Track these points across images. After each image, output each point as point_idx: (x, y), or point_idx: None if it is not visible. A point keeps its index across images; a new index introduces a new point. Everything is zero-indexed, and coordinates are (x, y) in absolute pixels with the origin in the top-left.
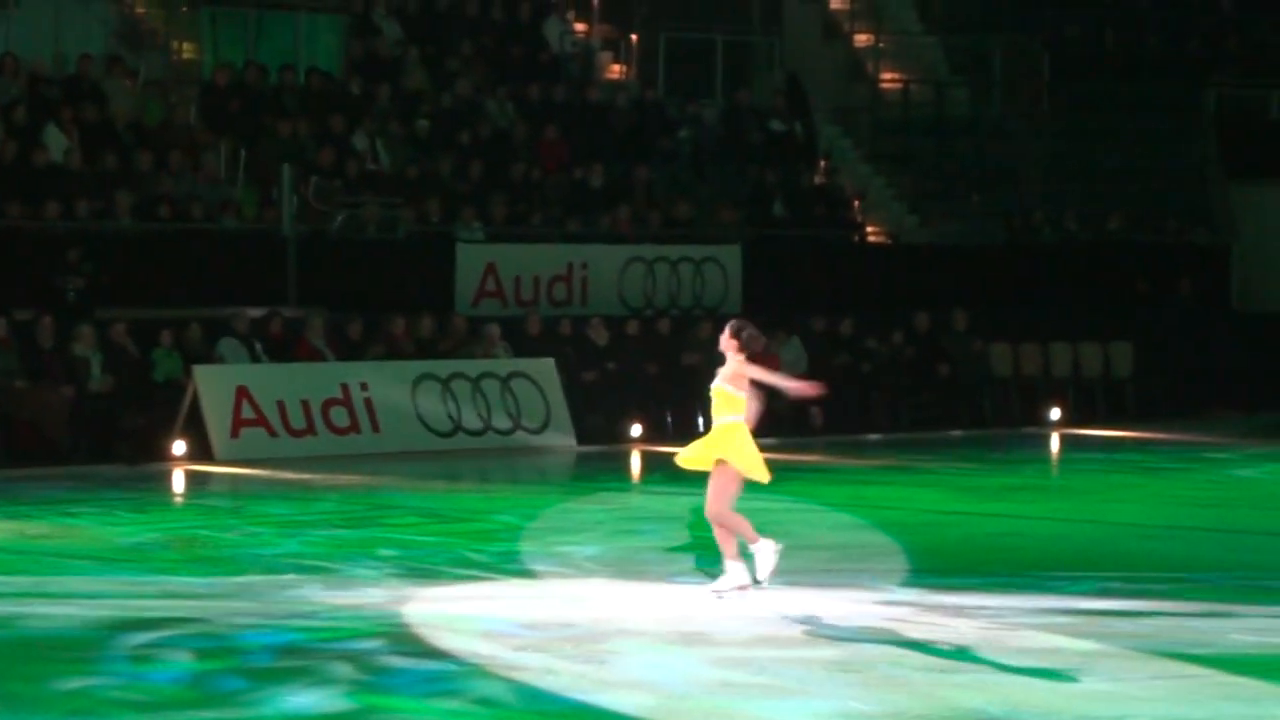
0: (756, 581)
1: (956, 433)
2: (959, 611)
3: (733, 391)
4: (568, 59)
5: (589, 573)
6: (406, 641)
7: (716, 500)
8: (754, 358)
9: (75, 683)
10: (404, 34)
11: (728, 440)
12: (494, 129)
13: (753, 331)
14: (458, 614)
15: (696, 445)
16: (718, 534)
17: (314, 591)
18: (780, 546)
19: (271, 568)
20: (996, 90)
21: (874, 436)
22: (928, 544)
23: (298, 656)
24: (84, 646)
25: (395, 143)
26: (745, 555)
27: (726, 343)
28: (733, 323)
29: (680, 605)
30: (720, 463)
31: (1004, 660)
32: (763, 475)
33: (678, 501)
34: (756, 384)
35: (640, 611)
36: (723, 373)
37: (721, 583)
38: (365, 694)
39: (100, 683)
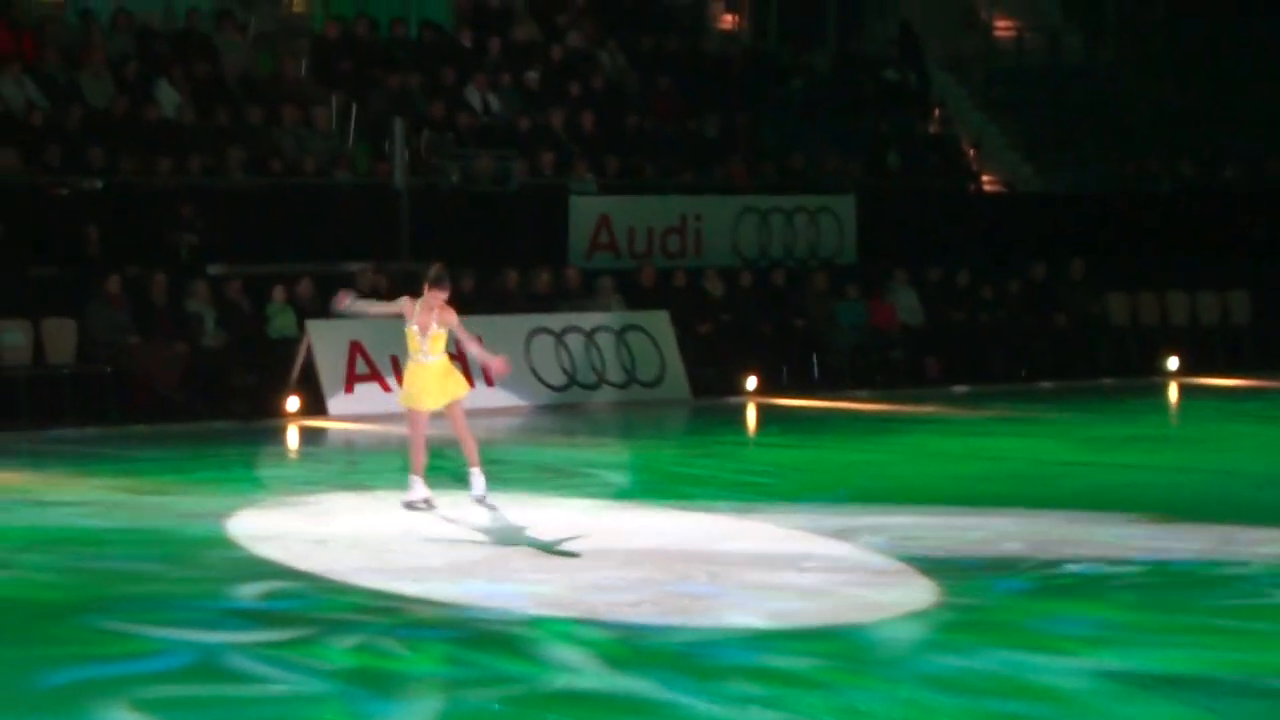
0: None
1: (1074, 383)
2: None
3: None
4: (680, 9)
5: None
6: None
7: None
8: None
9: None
10: None
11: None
12: (606, 80)
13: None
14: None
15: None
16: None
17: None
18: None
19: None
20: (1110, 36)
21: (991, 387)
22: (1046, 495)
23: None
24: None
25: (507, 95)
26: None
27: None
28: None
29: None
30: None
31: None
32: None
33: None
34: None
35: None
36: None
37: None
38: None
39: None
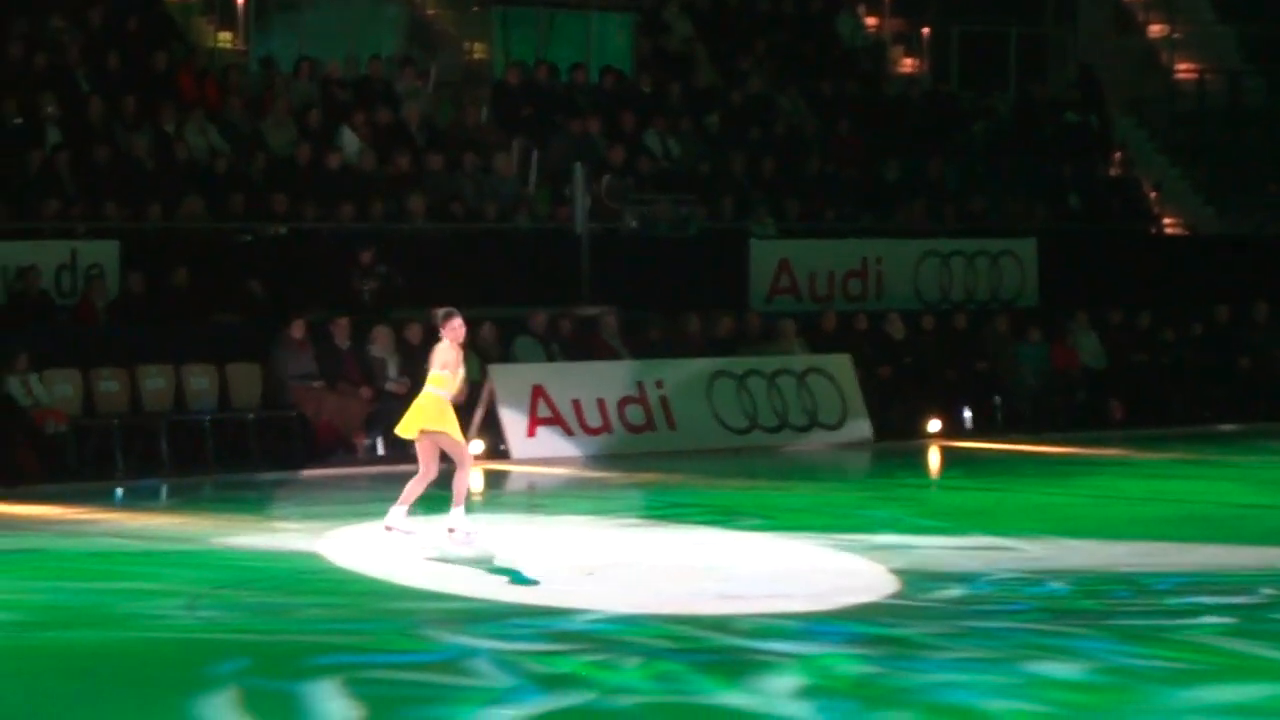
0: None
1: (1257, 425)
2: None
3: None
4: (860, 53)
5: None
6: None
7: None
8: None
9: None
10: (694, 31)
11: (424, 411)
12: (786, 125)
13: (456, 321)
14: None
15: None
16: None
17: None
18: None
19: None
20: None
21: (1173, 430)
22: (1230, 538)
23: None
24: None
25: (687, 140)
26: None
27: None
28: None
29: None
30: (422, 433)
31: None
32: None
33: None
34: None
35: None
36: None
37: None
38: None
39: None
